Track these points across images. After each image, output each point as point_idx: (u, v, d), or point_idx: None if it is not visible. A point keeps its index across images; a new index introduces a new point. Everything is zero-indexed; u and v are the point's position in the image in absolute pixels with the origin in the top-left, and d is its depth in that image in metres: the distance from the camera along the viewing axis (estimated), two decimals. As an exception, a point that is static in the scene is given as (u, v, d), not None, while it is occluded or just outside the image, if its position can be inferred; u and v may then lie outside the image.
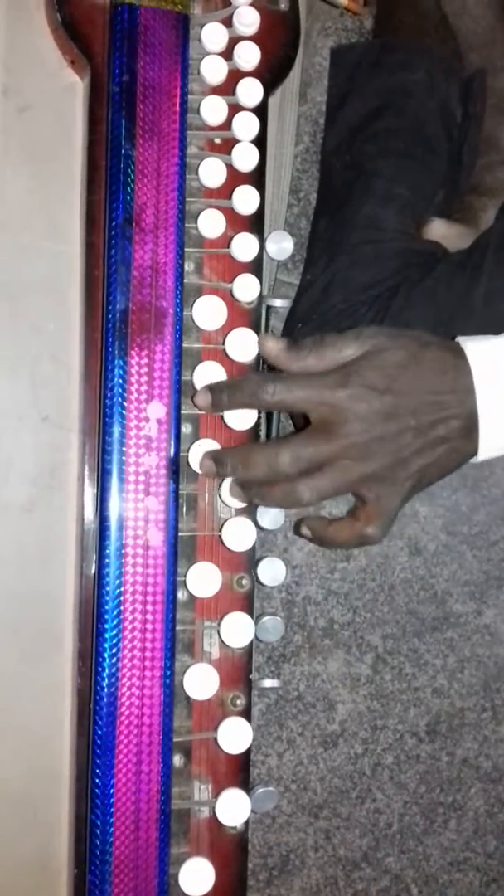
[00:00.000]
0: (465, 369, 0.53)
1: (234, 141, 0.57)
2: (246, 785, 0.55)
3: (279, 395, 0.52)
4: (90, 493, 0.55)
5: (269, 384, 0.52)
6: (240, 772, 0.55)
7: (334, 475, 0.52)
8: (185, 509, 0.56)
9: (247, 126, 0.57)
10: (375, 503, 0.54)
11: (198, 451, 0.55)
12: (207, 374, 0.55)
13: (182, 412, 0.55)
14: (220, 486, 0.56)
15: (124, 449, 0.53)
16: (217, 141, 0.58)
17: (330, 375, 0.52)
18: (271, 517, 0.57)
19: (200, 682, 0.53)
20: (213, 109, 0.56)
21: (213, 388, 0.55)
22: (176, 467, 0.53)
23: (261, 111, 0.58)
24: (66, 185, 0.59)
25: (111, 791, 0.51)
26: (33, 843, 0.58)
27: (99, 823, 0.51)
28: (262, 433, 0.61)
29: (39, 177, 0.59)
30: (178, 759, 0.54)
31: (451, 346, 0.54)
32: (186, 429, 0.56)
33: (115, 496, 0.52)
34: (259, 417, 0.57)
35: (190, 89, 0.56)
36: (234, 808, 0.53)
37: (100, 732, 0.51)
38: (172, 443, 0.53)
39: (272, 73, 0.60)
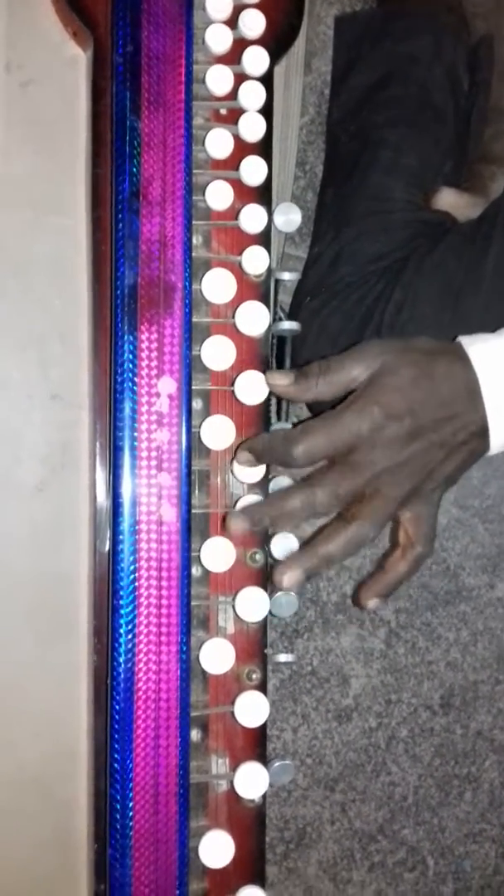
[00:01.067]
0: (471, 375, 0.53)
1: (241, 111, 0.56)
2: (263, 758, 0.55)
3: (307, 454, 0.52)
4: (102, 470, 0.55)
5: (292, 447, 0.52)
6: (257, 745, 0.55)
7: (380, 503, 0.53)
8: (197, 485, 0.56)
9: (253, 95, 0.56)
10: (415, 522, 0.55)
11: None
12: (217, 348, 0.54)
13: (193, 387, 0.54)
14: (232, 462, 0.56)
15: (136, 425, 0.52)
16: (223, 111, 0.57)
17: (346, 413, 0.52)
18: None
19: (216, 656, 0.53)
20: (218, 79, 0.55)
21: (240, 451, 0.55)
22: (188, 443, 0.53)
23: (267, 80, 0.57)
24: (71, 160, 0.59)
25: (130, 766, 0.51)
26: (52, 820, 0.58)
27: (119, 798, 0.51)
28: (273, 408, 0.61)
29: (43, 152, 0.59)
30: (195, 734, 0.54)
31: (456, 353, 0.55)
32: (197, 404, 0.56)
33: (127, 473, 0.52)
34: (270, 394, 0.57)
35: (195, 59, 0.55)
36: (251, 781, 0.53)
37: (117, 708, 0.51)
38: (184, 418, 0.53)
39: (277, 42, 0.59)
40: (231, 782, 0.53)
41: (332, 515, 0.55)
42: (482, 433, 0.54)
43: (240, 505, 0.55)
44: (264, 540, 0.56)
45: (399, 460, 0.52)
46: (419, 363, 0.53)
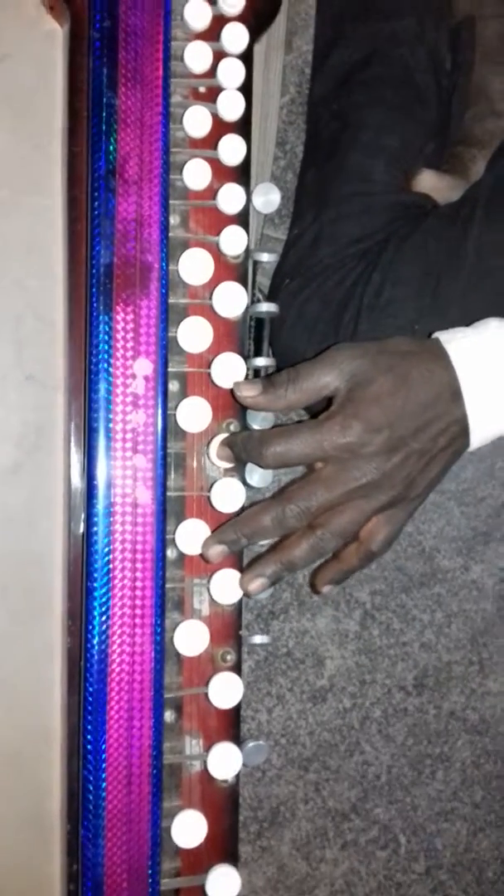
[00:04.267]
0: (450, 374, 0.53)
1: (220, 89, 0.55)
2: (237, 739, 0.56)
3: (280, 458, 0.52)
4: (77, 452, 0.55)
5: (266, 447, 0.52)
6: (231, 726, 0.56)
7: (352, 515, 0.53)
8: (173, 468, 0.55)
9: (232, 73, 0.55)
10: (382, 524, 0.55)
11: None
12: (194, 329, 0.54)
13: (169, 369, 0.54)
14: (208, 445, 0.55)
15: (111, 407, 0.52)
16: (202, 89, 0.57)
17: (325, 425, 0.52)
18: (260, 475, 0.57)
19: (191, 638, 0.53)
20: (197, 56, 0.55)
21: (219, 447, 0.55)
22: (164, 425, 0.53)
23: (246, 58, 0.56)
24: (47, 137, 0.58)
25: (103, 747, 0.51)
26: (26, 801, 0.58)
27: (91, 779, 0.51)
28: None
29: (18, 129, 0.58)
30: (169, 715, 0.55)
31: (433, 352, 0.54)
32: (174, 386, 0.55)
33: (102, 455, 0.52)
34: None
35: (173, 35, 0.55)
36: (225, 761, 0.54)
37: (91, 690, 0.51)
38: (160, 400, 0.53)
39: (258, 19, 0.58)
40: (204, 763, 0.54)
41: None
42: (463, 432, 0.54)
43: (214, 491, 0.54)
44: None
45: (380, 473, 0.52)
46: (395, 369, 0.53)
